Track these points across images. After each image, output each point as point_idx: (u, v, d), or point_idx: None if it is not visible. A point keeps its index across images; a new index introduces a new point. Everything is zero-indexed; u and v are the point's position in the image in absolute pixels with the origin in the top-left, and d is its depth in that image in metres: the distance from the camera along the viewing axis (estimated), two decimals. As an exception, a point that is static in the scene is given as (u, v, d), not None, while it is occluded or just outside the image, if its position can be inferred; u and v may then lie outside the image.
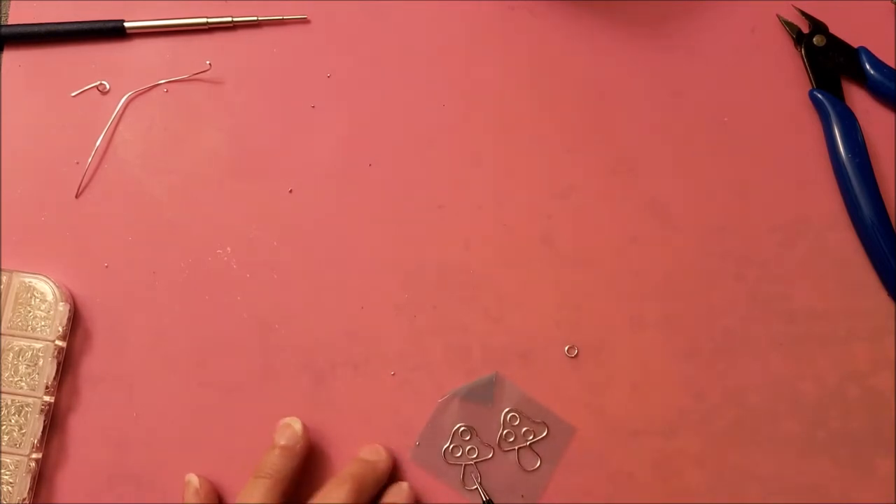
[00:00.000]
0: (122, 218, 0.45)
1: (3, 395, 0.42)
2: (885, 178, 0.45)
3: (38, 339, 0.42)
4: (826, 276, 0.44)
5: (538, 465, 0.42)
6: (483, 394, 0.43)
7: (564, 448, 0.43)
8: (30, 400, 0.42)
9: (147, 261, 0.44)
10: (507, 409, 0.43)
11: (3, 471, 0.41)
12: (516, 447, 0.42)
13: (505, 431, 0.43)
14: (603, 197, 0.45)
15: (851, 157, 0.44)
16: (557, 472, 0.43)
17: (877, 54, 0.45)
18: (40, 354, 0.42)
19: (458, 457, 0.42)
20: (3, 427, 0.41)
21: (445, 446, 0.42)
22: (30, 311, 0.42)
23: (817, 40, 0.46)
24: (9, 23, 0.46)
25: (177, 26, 0.46)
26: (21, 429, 0.41)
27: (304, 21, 0.47)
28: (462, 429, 0.42)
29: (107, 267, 0.44)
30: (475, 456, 0.42)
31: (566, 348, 0.43)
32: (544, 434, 0.42)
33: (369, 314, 0.44)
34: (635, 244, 0.45)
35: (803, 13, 0.46)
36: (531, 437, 0.42)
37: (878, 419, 0.43)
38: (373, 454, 0.42)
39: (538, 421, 0.43)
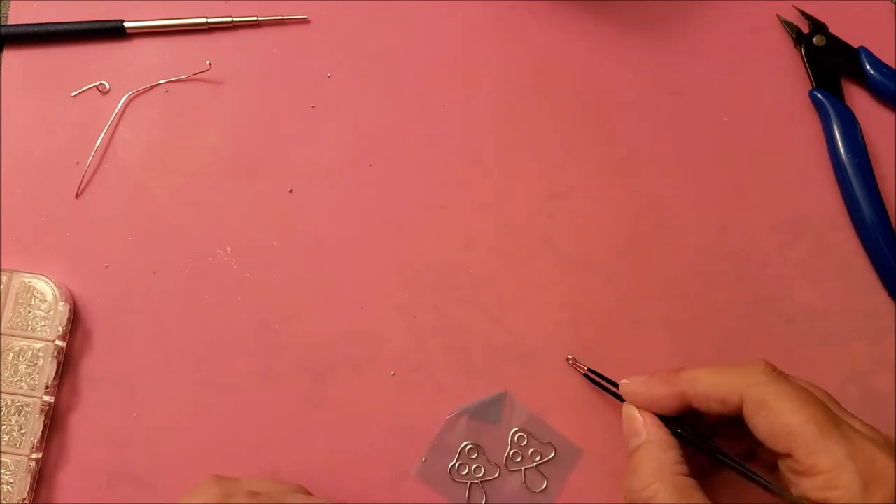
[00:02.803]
0: (122, 218, 0.45)
1: (3, 395, 0.42)
2: (885, 178, 0.45)
3: (38, 339, 0.42)
4: (826, 276, 0.44)
5: (544, 486, 0.42)
6: (491, 412, 0.43)
7: (571, 470, 0.42)
8: (30, 400, 0.42)
9: (147, 261, 0.44)
10: (514, 429, 0.43)
11: (3, 471, 0.41)
12: (523, 468, 0.42)
13: (512, 451, 0.42)
14: (603, 197, 0.45)
15: (851, 157, 0.44)
16: (563, 494, 0.42)
17: (877, 54, 0.45)
18: (40, 354, 0.42)
19: (464, 475, 0.42)
20: (3, 427, 0.41)
21: (452, 464, 0.42)
22: (30, 311, 0.42)
23: (817, 40, 0.46)
24: (9, 23, 0.46)
25: (177, 26, 0.46)
26: (21, 429, 0.41)
27: (304, 21, 0.47)
28: (469, 447, 0.42)
29: (107, 267, 0.44)
30: (481, 474, 0.42)
31: (568, 358, 0.43)
32: (552, 455, 0.42)
33: (369, 314, 0.44)
34: (635, 244, 0.45)
35: (803, 13, 0.46)
36: (538, 458, 0.42)
37: (879, 419, 0.43)
38: None
39: (545, 442, 0.42)
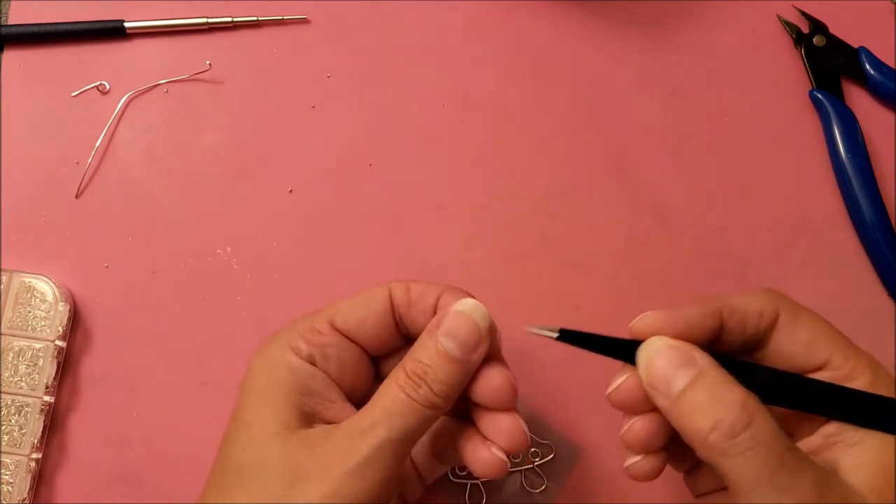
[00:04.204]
0: (122, 218, 0.45)
1: (3, 395, 0.42)
2: (885, 178, 0.45)
3: (38, 339, 0.42)
4: (826, 276, 0.44)
5: (544, 486, 0.42)
6: None
7: (570, 470, 0.42)
8: (30, 400, 0.42)
9: (147, 261, 0.44)
10: None
11: (3, 471, 0.41)
12: (522, 468, 0.42)
13: None
14: (603, 197, 0.45)
15: (851, 157, 0.44)
16: (563, 494, 0.42)
17: (877, 54, 0.45)
18: (40, 354, 0.42)
19: (463, 474, 0.42)
20: (3, 427, 0.41)
21: None
22: (30, 311, 0.42)
23: (817, 40, 0.46)
24: (9, 23, 0.46)
25: (177, 26, 0.46)
26: (21, 429, 0.41)
27: (304, 21, 0.47)
28: None
29: (107, 267, 0.44)
30: None
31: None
32: (551, 456, 0.42)
33: (369, 314, 0.44)
34: (635, 244, 0.45)
35: (803, 13, 0.46)
36: (537, 459, 0.42)
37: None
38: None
39: (545, 441, 0.42)
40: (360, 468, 0.30)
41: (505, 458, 0.33)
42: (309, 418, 0.33)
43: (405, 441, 0.31)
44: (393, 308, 0.35)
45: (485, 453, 0.33)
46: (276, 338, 0.35)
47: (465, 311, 0.32)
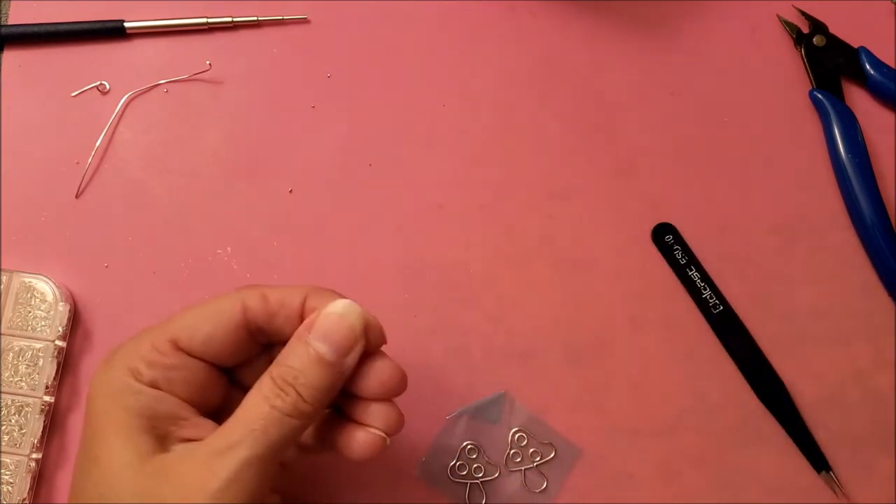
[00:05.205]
0: (122, 218, 0.45)
1: (3, 395, 0.42)
2: (885, 178, 0.45)
3: (38, 339, 0.42)
4: (826, 276, 0.44)
5: (544, 486, 0.42)
6: (491, 412, 0.43)
7: (570, 470, 0.42)
8: (30, 400, 0.42)
9: (147, 261, 0.44)
10: (514, 429, 0.42)
11: (3, 471, 0.41)
12: (523, 468, 0.42)
13: (512, 451, 0.42)
14: (603, 197, 0.45)
15: (851, 157, 0.44)
16: (563, 494, 0.42)
17: (877, 54, 0.45)
18: (40, 354, 0.42)
19: (463, 475, 0.42)
20: (3, 427, 0.41)
21: (452, 463, 0.42)
22: (30, 311, 0.42)
23: (817, 40, 0.46)
24: (9, 23, 0.46)
25: (177, 26, 0.46)
26: (21, 429, 0.41)
27: (304, 21, 0.47)
28: (469, 447, 0.42)
29: (107, 267, 0.44)
30: (481, 475, 0.42)
31: None
32: (551, 456, 0.42)
33: (369, 314, 0.44)
34: (635, 244, 0.45)
35: (803, 13, 0.46)
36: (538, 459, 0.42)
37: (878, 419, 0.43)
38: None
39: (545, 442, 0.42)
40: (222, 492, 0.29)
41: (385, 435, 0.33)
42: (163, 441, 0.31)
43: (269, 457, 0.30)
44: (247, 320, 0.33)
45: (363, 434, 0.33)
46: (115, 359, 0.32)
47: (339, 312, 0.32)
